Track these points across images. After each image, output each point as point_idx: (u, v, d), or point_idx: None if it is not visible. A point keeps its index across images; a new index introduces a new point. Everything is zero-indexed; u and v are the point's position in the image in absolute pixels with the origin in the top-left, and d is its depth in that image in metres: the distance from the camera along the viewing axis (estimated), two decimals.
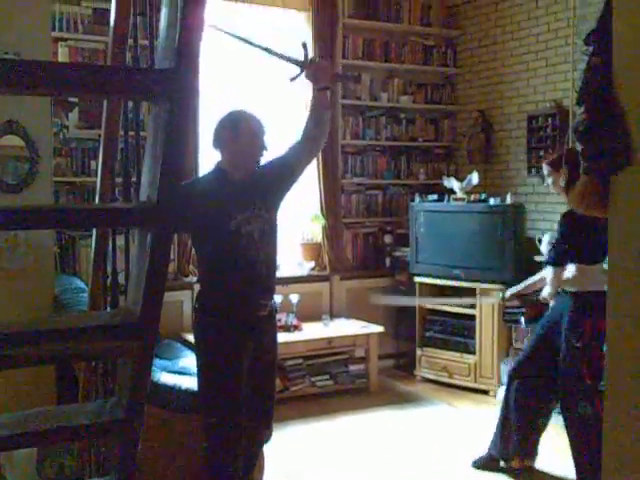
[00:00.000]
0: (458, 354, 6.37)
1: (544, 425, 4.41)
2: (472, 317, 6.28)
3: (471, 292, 6.27)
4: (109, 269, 3.07)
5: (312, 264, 6.70)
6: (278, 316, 6.01)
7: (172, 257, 5.51)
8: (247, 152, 3.35)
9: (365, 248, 7.13)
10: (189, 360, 4.49)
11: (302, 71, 3.49)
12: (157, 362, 4.07)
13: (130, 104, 3.25)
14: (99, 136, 3.10)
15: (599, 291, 3.74)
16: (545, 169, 4.35)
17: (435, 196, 6.70)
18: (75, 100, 5.56)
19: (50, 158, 4.47)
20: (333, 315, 6.65)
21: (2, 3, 4.09)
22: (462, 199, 6.48)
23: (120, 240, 3.09)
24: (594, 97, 1.88)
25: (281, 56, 3.53)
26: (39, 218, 1.61)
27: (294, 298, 6.23)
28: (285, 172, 3.51)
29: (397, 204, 7.26)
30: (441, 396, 6.16)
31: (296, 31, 6.59)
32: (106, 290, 3.16)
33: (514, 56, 6.73)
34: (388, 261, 7.12)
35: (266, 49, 3.51)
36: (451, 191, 6.60)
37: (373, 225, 7.17)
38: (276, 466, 4.43)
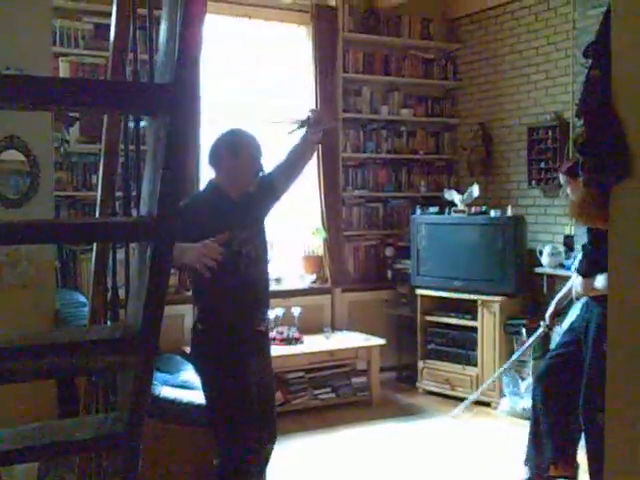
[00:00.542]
0: (460, 366, 6.36)
1: (575, 430, 4.21)
2: (474, 329, 6.27)
3: (472, 304, 6.27)
4: (110, 283, 3.07)
5: (313, 277, 6.70)
6: (280, 329, 6.08)
7: (173, 271, 5.50)
8: (245, 172, 3.36)
9: (366, 261, 7.13)
10: (190, 374, 4.48)
11: (304, 127, 3.62)
12: (158, 376, 4.07)
13: (131, 118, 3.25)
14: (100, 150, 3.11)
15: None
16: (562, 178, 4.24)
17: (436, 208, 6.71)
18: (76, 115, 5.58)
19: (51, 173, 4.48)
20: (335, 328, 6.64)
21: (3, 18, 4.10)
22: (463, 211, 6.49)
23: (121, 254, 3.09)
24: (594, 109, 1.89)
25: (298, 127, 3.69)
26: (40, 233, 1.60)
27: (296, 311, 6.23)
28: (270, 192, 3.57)
29: (398, 217, 7.26)
30: (443, 408, 6.14)
31: (296, 46, 6.62)
32: (107, 304, 3.15)
33: (514, 69, 6.75)
34: (389, 273, 7.12)
35: (291, 132, 3.71)
36: (452, 203, 6.61)
37: (374, 238, 7.17)
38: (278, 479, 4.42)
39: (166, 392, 3.74)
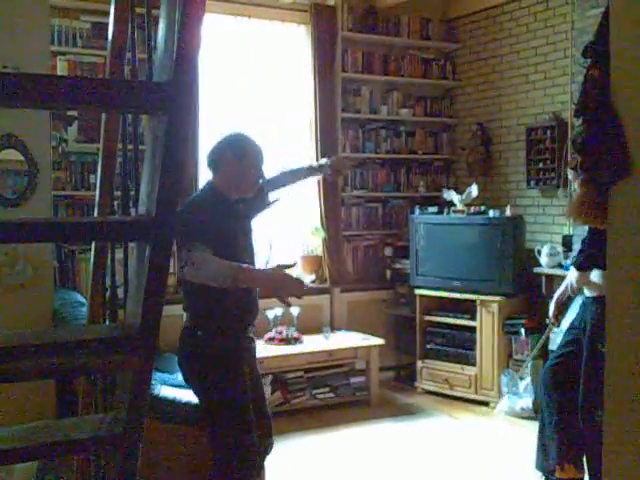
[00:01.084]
0: (459, 366, 6.36)
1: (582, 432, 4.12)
2: (472, 329, 6.28)
3: (471, 304, 6.27)
4: (108, 282, 3.07)
5: (313, 277, 6.70)
6: (279, 328, 6.08)
7: (171, 270, 5.50)
8: (247, 178, 3.32)
9: (365, 260, 7.13)
10: None
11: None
12: (157, 375, 4.06)
13: (129, 117, 3.25)
14: (98, 150, 3.11)
15: None
16: (570, 174, 4.22)
17: (435, 208, 6.71)
18: (74, 114, 5.57)
19: (49, 172, 4.48)
20: (334, 327, 6.64)
21: (2, 17, 4.10)
22: (462, 211, 6.49)
23: (119, 253, 3.09)
24: (592, 109, 1.89)
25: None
26: (38, 232, 1.60)
27: (294, 311, 6.22)
28: (260, 201, 3.56)
29: (397, 216, 7.26)
30: (442, 408, 6.15)
31: (295, 45, 6.62)
32: (105, 304, 3.15)
33: (513, 69, 6.75)
34: (388, 273, 7.12)
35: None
36: (451, 203, 6.61)
37: (373, 237, 7.17)
38: (276, 479, 4.41)
39: (165, 392, 3.73)
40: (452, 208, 6.56)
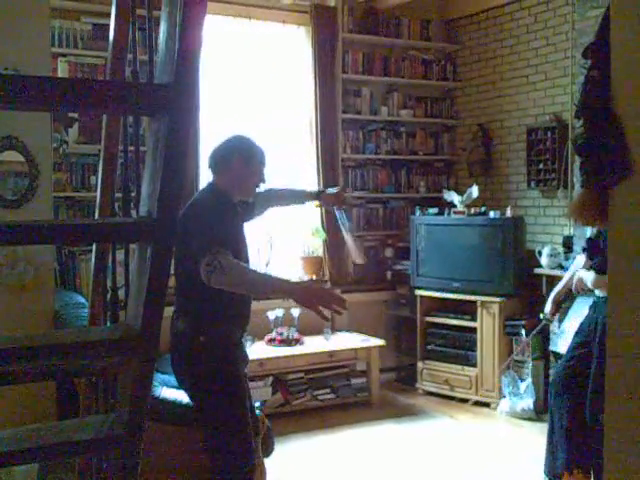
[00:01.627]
0: (459, 367, 6.36)
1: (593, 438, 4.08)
2: (473, 330, 6.28)
3: (472, 305, 6.27)
4: (109, 284, 3.06)
5: (313, 278, 6.69)
6: (280, 329, 6.07)
7: (172, 271, 5.50)
8: (251, 182, 3.32)
9: (366, 261, 7.11)
10: None
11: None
12: (158, 377, 4.06)
13: (130, 119, 3.25)
14: (99, 151, 3.10)
15: None
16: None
17: (435, 209, 6.71)
18: (75, 115, 5.58)
19: (50, 173, 4.47)
20: (334, 329, 6.63)
21: (2, 18, 4.10)
22: (462, 212, 6.48)
23: (120, 255, 3.09)
24: (593, 110, 1.89)
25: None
26: (39, 233, 1.60)
27: (295, 312, 6.22)
28: (249, 208, 3.55)
29: (398, 217, 7.26)
30: (443, 409, 6.15)
31: (296, 46, 6.62)
32: (106, 305, 3.15)
33: (513, 70, 6.75)
34: (389, 274, 7.12)
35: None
36: (451, 204, 6.61)
37: (374, 238, 7.17)
38: None
39: (166, 393, 3.73)
40: (452, 209, 6.56)
